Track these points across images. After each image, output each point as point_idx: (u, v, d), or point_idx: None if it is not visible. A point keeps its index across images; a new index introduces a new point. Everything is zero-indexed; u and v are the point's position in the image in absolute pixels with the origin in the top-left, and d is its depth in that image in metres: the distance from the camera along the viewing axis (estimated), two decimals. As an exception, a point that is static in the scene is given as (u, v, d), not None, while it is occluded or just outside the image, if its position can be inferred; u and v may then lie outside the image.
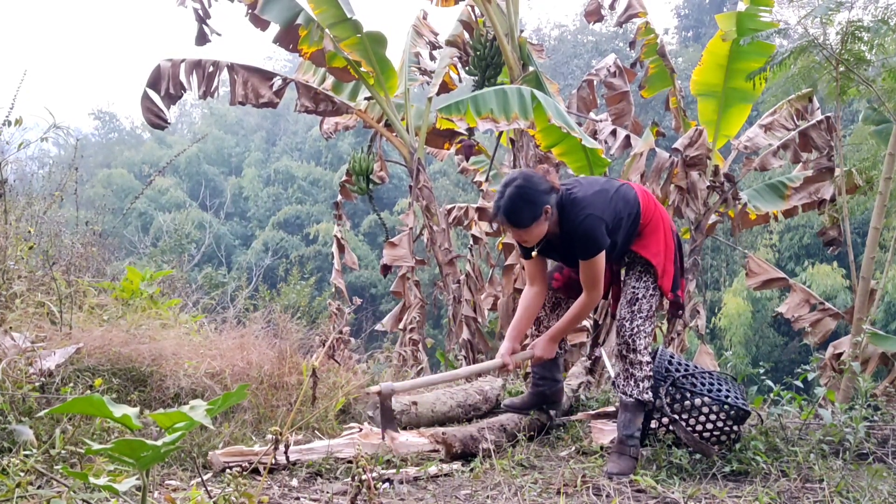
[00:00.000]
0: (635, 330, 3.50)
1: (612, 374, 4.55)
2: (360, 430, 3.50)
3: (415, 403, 3.89)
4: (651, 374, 3.52)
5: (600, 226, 3.40)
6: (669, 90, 8.35)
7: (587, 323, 6.87)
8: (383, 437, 3.42)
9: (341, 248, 7.85)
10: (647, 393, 3.48)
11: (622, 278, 3.74)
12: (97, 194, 25.74)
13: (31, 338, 3.43)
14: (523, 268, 6.76)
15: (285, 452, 3.08)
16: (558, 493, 2.97)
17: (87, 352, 3.50)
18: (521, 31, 7.67)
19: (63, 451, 2.51)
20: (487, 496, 2.94)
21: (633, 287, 3.58)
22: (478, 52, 7.79)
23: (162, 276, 5.27)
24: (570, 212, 3.44)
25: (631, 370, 3.50)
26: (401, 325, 7.39)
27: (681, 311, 3.87)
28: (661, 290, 3.59)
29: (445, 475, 3.26)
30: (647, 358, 3.51)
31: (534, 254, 3.64)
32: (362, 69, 6.90)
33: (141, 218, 28.51)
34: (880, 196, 5.90)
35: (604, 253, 3.44)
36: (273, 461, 3.02)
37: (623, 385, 3.52)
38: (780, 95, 7.69)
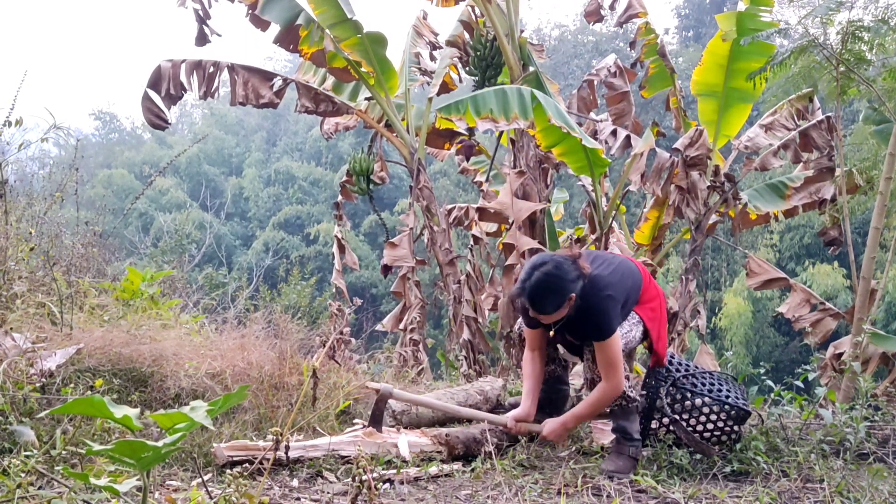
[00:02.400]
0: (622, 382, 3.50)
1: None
2: (364, 426, 3.50)
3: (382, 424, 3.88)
4: (633, 383, 3.53)
5: (616, 306, 3.40)
6: (670, 90, 8.34)
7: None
8: (367, 425, 3.45)
9: (342, 249, 7.85)
10: (632, 392, 3.50)
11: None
12: (98, 195, 25.74)
13: (31, 338, 3.43)
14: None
15: (286, 450, 3.09)
16: (559, 493, 2.97)
17: (87, 352, 3.50)
18: (522, 32, 7.66)
19: (64, 452, 2.51)
20: (488, 496, 2.94)
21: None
22: (478, 53, 7.78)
23: (162, 276, 5.28)
24: (588, 291, 3.37)
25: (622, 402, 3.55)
26: (401, 326, 7.38)
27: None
28: (657, 354, 3.64)
29: (446, 475, 3.26)
30: (630, 392, 3.53)
31: (551, 333, 3.61)
32: (363, 69, 6.90)
33: (141, 218, 28.52)
34: (881, 196, 5.90)
35: (619, 335, 3.40)
36: (275, 461, 3.02)
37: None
38: (781, 95, 7.68)
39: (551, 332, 3.59)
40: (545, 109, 6.08)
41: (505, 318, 6.94)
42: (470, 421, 4.08)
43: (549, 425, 3.58)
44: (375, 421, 3.53)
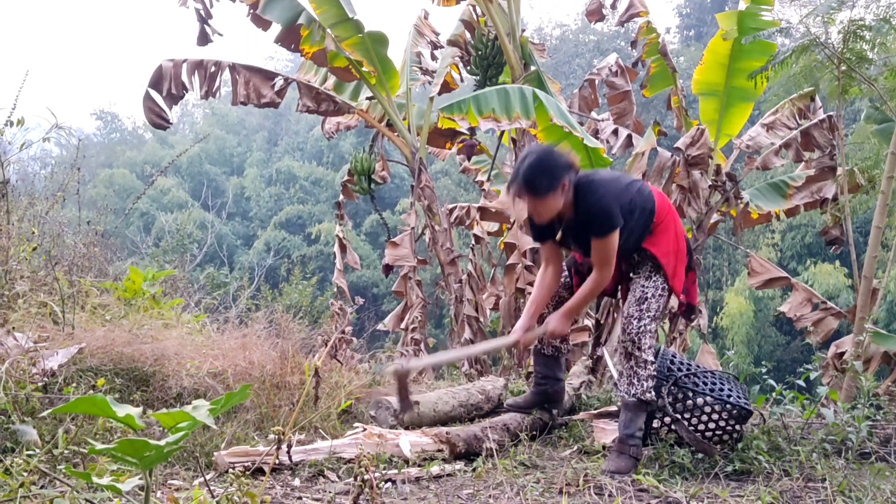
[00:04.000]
0: (642, 329, 3.48)
1: (615, 375, 4.54)
2: (364, 429, 3.50)
3: (417, 403, 3.89)
4: (654, 373, 3.52)
5: (615, 206, 3.42)
6: (671, 89, 8.34)
7: (589, 322, 6.87)
8: (401, 415, 3.42)
9: (343, 248, 7.85)
10: (649, 392, 3.47)
11: (631, 276, 3.71)
12: (99, 194, 25.75)
13: (33, 338, 3.43)
14: (526, 268, 6.77)
15: (288, 453, 3.09)
16: (561, 492, 2.97)
17: (89, 352, 3.51)
18: (523, 31, 7.67)
19: (66, 451, 2.51)
20: (490, 496, 2.94)
21: (643, 286, 3.57)
22: (479, 52, 7.79)
23: (164, 276, 5.28)
24: (586, 192, 3.45)
25: (635, 368, 3.48)
26: (403, 325, 7.39)
27: (694, 316, 3.85)
28: (671, 290, 3.59)
29: (448, 475, 3.26)
30: (651, 357, 3.51)
31: (558, 237, 3.63)
32: (364, 69, 6.90)
33: (143, 218, 28.53)
34: (882, 195, 5.90)
35: (617, 233, 3.43)
36: (276, 461, 3.03)
37: (626, 386, 3.50)
38: (782, 94, 7.68)
39: (558, 237, 3.62)
40: (547, 109, 6.08)
41: (506, 317, 6.95)
42: (471, 420, 4.09)
43: (552, 320, 3.68)
44: (404, 401, 3.52)
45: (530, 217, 3.61)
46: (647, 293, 3.54)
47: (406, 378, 3.54)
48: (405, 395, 3.54)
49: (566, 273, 3.88)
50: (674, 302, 3.79)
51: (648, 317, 3.50)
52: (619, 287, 3.83)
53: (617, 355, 3.71)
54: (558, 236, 3.64)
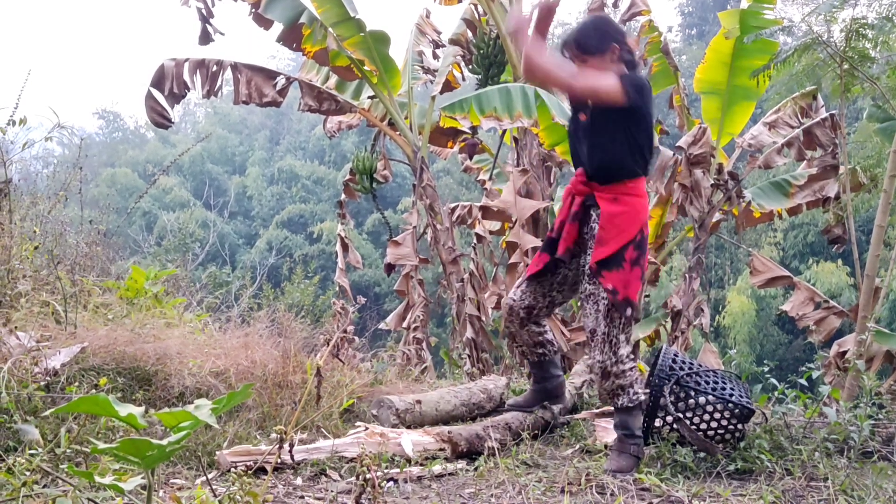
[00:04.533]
0: (613, 341, 3.36)
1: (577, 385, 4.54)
2: (366, 428, 3.50)
3: (419, 402, 3.89)
4: (637, 376, 3.45)
5: (648, 94, 3.26)
6: (673, 88, 8.34)
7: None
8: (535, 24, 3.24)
9: (345, 247, 7.86)
10: (638, 394, 3.44)
11: (585, 284, 3.43)
12: (101, 193, 25.78)
13: (36, 337, 3.43)
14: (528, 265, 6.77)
15: (290, 452, 3.09)
16: (562, 491, 2.97)
17: (91, 351, 3.51)
18: (525, 30, 7.65)
19: (68, 451, 2.51)
20: (492, 494, 2.94)
21: (592, 323, 3.37)
22: (481, 51, 7.78)
23: (166, 275, 5.29)
24: (631, 70, 3.29)
25: (617, 381, 3.38)
26: (404, 324, 7.39)
27: (631, 310, 3.42)
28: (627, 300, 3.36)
29: (450, 474, 3.26)
30: (630, 364, 3.39)
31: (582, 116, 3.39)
32: (366, 68, 6.90)
33: (145, 217, 28.57)
34: (885, 194, 5.89)
35: (620, 97, 3.16)
36: (278, 461, 3.03)
37: (613, 400, 3.42)
38: (784, 93, 7.67)
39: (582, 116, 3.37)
40: (549, 107, 6.08)
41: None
42: (473, 419, 4.08)
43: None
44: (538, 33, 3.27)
45: (572, 106, 3.39)
46: (598, 328, 3.37)
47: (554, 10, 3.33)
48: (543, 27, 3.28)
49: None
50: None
51: (615, 330, 3.36)
52: (570, 249, 3.51)
53: (594, 374, 3.50)
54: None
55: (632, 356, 3.49)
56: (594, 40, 3.27)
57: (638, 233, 3.37)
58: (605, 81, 3.19)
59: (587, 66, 3.27)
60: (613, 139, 3.30)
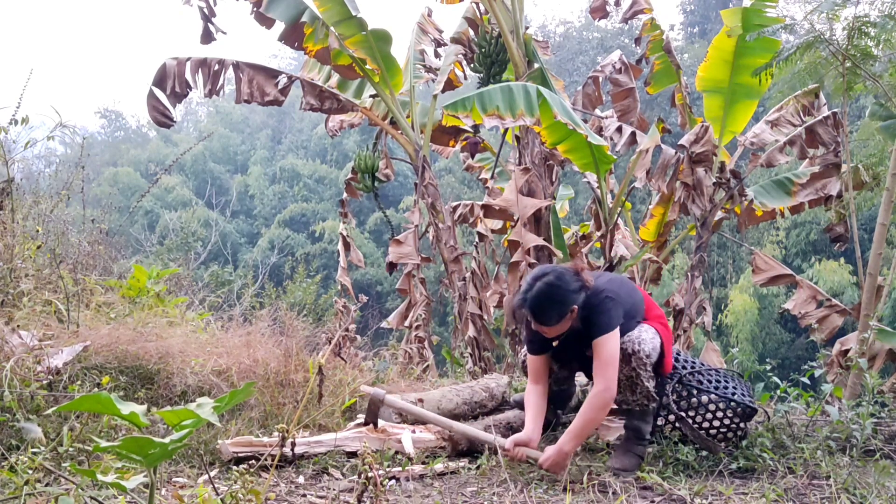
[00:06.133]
0: (640, 340, 3.41)
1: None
2: (366, 423, 3.51)
3: (421, 401, 3.89)
4: (653, 384, 3.45)
5: (616, 307, 3.32)
6: (675, 86, 8.32)
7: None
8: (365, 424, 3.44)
9: (347, 246, 7.86)
10: (653, 395, 3.45)
11: None
12: (103, 193, 25.82)
13: (38, 336, 3.44)
14: (530, 265, 6.76)
15: (292, 447, 3.10)
16: (565, 489, 2.97)
17: (94, 350, 3.51)
18: (527, 28, 7.65)
19: (71, 449, 2.52)
20: (494, 493, 2.94)
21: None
22: (483, 49, 7.77)
23: (168, 274, 5.30)
24: (590, 298, 3.34)
25: (639, 372, 3.40)
26: (406, 323, 7.39)
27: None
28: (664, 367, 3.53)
29: (452, 472, 3.27)
30: (651, 384, 3.43)
31: (555, 343, 3.51)
32: (367, 67, 6.90)
33: (147, 216, 28.58)
34: (887, 192, 5.88)
35: (618, 335, 3.30)
36: (280, 457, 3.03)
37: (629, 396, 3.44)
38: (787, 91, 7.66)
39: (555, 343, 3.52)
40: (551, 106, 6.07)
41: (510, 315, 6.93)
42: (475, 417, 4.09)
43: (551, 457, 3.20)
44: (372, 422, 3.53)
45: (534, 331, 3.46)
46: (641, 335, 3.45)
47: (377, 405, 3.53)
48: (373, 417, 3.53)
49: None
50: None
51: (646, 338, 3.43)
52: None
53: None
54: (554, 343, 3.51)
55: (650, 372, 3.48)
56: (553, 314, 3.29)
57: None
58: (610, 354, 3.25)
59: (550, 330, 3.34)
60: None
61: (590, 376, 3.61)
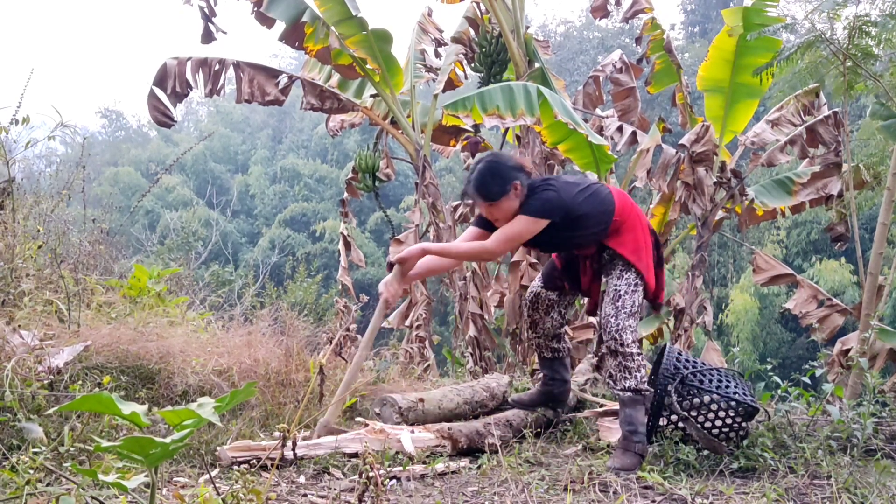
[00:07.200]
0: (621, 326, 3.51)
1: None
2: (367, 425, 3.51)
3: (421, 400, 3.89)
4: (644, 363, 3.54)
5: (559, 202, 3.45)
6: (676, 86, 8.32)
7: (594, 320, 6.85)
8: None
9: (347, 246, 7.86)
10: (643, 383, 3.50)
11: (603, 278, 3.73)
12: (104, 192, 25.78)
13: (39, 336, 3.44)
14: (531, 265, 6.76)
15: (293, 448, 3.09)
16: (565, 489, 2.97)
17: (95, 349, 3.52)
18: (527, 28, 7.65)
19: (72, 449, 2.52)
20: (495, 493, 2.94)
21: (615, 285, 3.58)
22: (483, 49, 7.78)
23: (169, 273, 5.30)
24: (534, 183, 3.52)
25: (624, 363, 3.50)
26: (407, 322, 7.40)
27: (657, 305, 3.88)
28: (644, 284, 3.61)
29: (453, 472, 3.27)
30: (636, 349, 3.53)
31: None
32: (368, 66, 6.90)
33: (148, 216, 28.56)
34: (888, 191, 5.88)
35: (540, 224, 3.44)
36: (280, 458, 3.03)
37: (620, 380, 3.51)
38: (787, 91, 7.66)
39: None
40: (551, 106, 6.07)
41: (511, 315, 6.94)
42: (476, 417, 4.08)
43: (409, 249, 3.69)
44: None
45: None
46: (620, 290, 3.56)
47: (329, 430, 3.51)
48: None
49: (550, 290, 3.90)
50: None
51: (625, 313, 3.53)
52: (591, 287, 3.83)
53: (606, 357, 3.70)
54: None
55: (638, 344, 3.58)
56: (495, 187, 3.46)
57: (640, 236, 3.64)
58: (514, 229, 3.47)
59: (494, 208, 3.49)
60: (572, 241, 3.63)
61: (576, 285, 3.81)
